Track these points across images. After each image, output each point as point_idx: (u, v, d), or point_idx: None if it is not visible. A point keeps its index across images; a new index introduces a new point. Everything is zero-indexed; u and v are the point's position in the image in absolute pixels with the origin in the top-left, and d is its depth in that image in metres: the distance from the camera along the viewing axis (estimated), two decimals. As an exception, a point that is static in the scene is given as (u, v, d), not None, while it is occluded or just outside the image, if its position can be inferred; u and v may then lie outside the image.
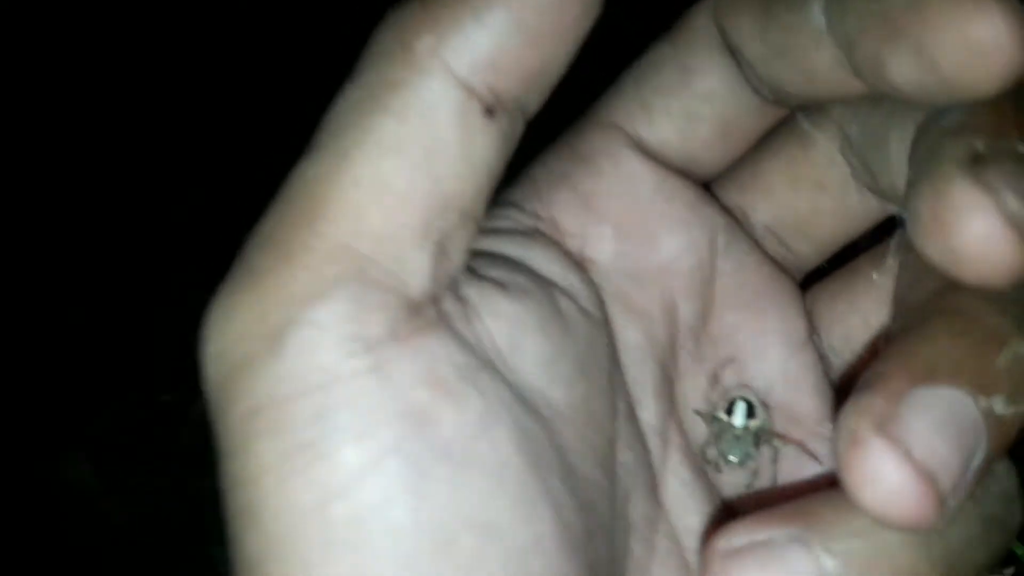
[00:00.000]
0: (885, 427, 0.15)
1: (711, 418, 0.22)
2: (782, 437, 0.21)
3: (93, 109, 0.72)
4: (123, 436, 0.68)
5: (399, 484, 0.16)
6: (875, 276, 0.22)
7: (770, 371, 0.22)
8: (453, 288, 0.18)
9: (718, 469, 0.22)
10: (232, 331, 0.17)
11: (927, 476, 0.15)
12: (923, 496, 0.15)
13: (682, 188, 0.22)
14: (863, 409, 0.16)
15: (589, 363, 0.20)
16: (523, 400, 0.18)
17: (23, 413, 0.66)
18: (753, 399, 0.22)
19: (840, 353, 0.23)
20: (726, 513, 0.21)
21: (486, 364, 0.18)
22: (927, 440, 0.15)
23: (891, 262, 0.21)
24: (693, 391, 0.22)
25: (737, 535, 0.18)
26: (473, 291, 0.18)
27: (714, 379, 0.22)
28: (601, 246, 0.22)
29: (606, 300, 0.21)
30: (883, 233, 0.22)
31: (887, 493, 0.15)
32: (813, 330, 0.23)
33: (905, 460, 0.15)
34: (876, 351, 0.19)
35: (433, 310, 0.17)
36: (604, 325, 0.21)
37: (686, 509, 0.21)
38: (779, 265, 0.23)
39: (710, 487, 0.22)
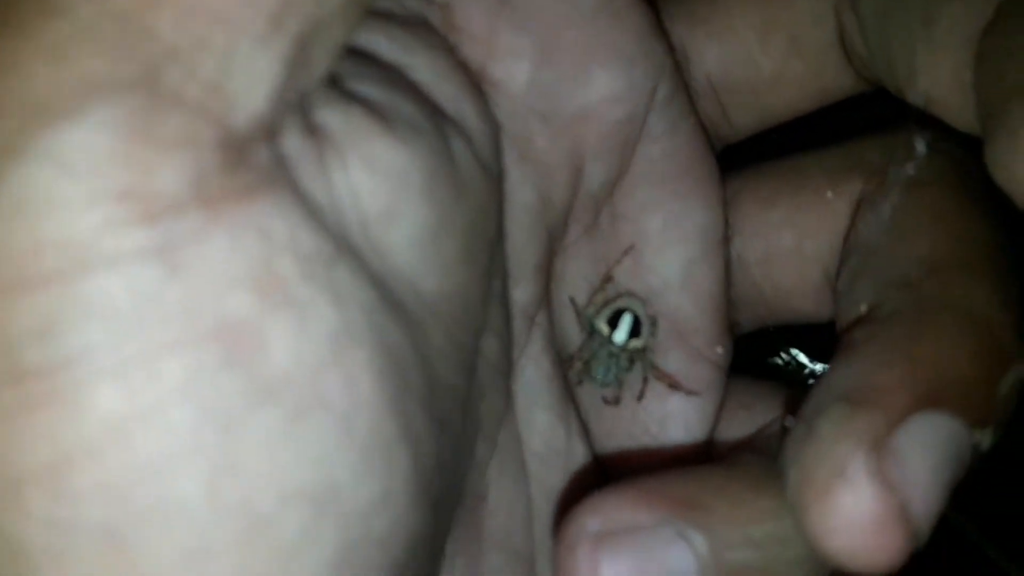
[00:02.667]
0: (880, 463, 0.12)
1: (588, 324, 0.19)
2: (660, 372, 0.19)
3: None
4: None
5: (190, 445, 0.11)
6: (830, 195, 0.18)
7: (671, 270, 0.18)
8: (303, 112, 0.12)
9: (578, 379, 0.19)
10: None
11: (911, 523, 0.12)
12: (900, 543, 0.12)
13: (635, 7, 0.17)
14: (853, 431, 0.12)
15: (477, 237, 0.15)
16: (389, 300, 0.12)
17: None
18: (641, 313, 0.19)
19: (749, 269, 0.19)
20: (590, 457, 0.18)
21: (345, 248, 0.12)
22: (922, 484, 0.12)
23: (883, 205, 0.16)
24: (574, 273, 0.19)
25: (609, 515, 0.14)
26: (336, 120, 0.12)
27: (605, 275, 0.19)
28: (514, 66, 0.16)
29: (504, 143, 0.17)
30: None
31: (861, 539, 0.12)
32: (728, 231, 0.19)
33: (893, 508, 0.12)
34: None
35: (268, 153, 0.11)
36: (499, 179, 0.16)
37: (536, 403, 0.18)
38: (707, 137, 0.19)
39: (567, 383, 0.19)
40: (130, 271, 0.10)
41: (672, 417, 0.19)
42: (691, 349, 0.19)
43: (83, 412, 0.10)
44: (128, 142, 0.10)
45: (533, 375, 0.18)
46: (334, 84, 0.13)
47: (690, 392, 0.18)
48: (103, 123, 0.10)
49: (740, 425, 0.18)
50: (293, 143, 0.11)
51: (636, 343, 0.18)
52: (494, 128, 0.16)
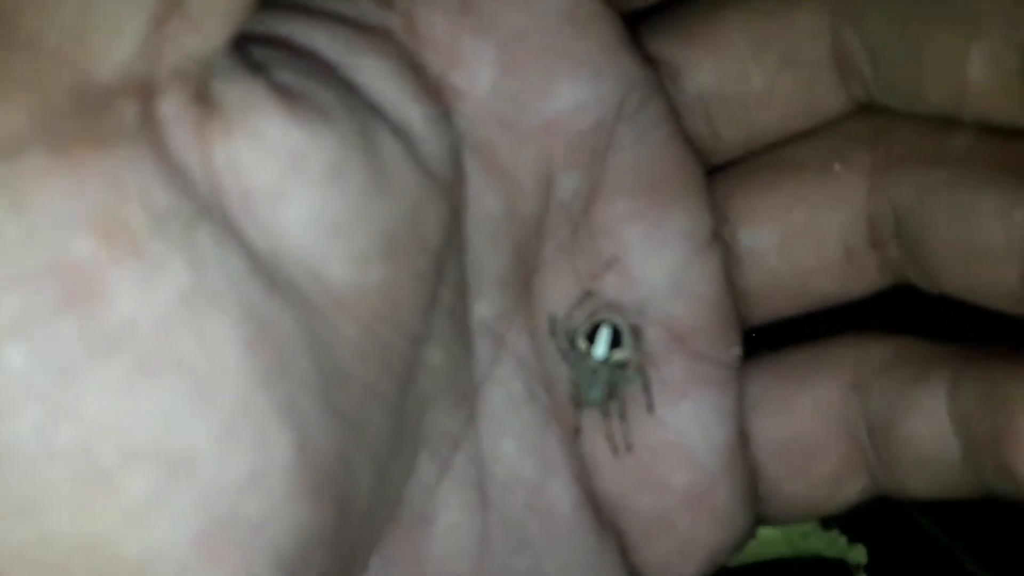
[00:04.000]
0: None
1: (568, 343, 0.18)
2: (646, 377, 0.18)
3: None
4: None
5: (24, 385, 0.11)
6: (837, 167, 0.18)
7: (658, 278, 0.18)
8: (196, 82, 0.12)
9: (578, 406, 0.18)
10: None
11: None
12: None
13: (601, 19, 0.17)
14: None
15: (404, 237, 0.14)
16: (272, 276, 0.12)
17: None
18: (620, 323, 0.18)
19: (765, 257, 0.19)
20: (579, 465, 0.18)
21: (210, 213, 0.12)
22: None
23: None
24: (556, 292, 0.18)
25: None
26: (232, 93, 0.12)
27: (585, 291, 0.18)
28: (477, 72, 0.16)
29: (464, 150, 0.16)
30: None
31: None
32: (724, 227, 0.19)
33: None
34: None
35: (134, 109, 0.11)
36: (450, 186, 0.16)
37: (504, 430, 0.17)
38: (691, 147, 0.18)
39: (547, 411, 0.18)
40: None
41: (689, 423, 0.18)
42: (694, 352, 0.18)
43: None
44: None
45: (500, 399, 0.17)
46: (249, 66, 0.13)
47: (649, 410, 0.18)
48: None
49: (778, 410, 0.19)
50: (172, 107, 0.12)
51: (619, 355, 0.18)
52: (447, 134, 0.16)
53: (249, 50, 0.13)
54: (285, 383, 0.12)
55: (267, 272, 0.12)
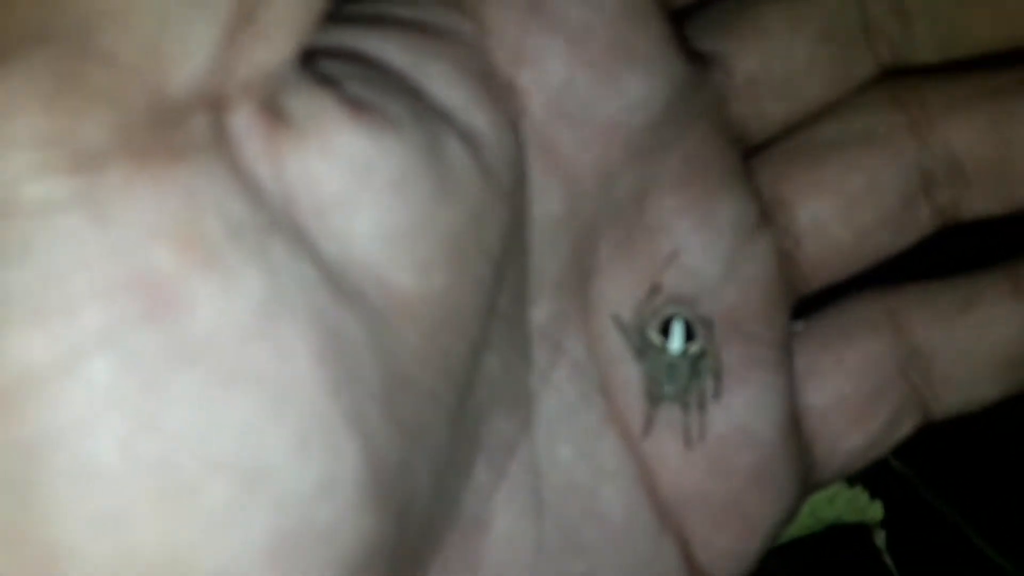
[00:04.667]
0: None
1: (640, 340, 0.18)
2: (720, 366, 0.18)
3: None
4: None
5: (109, 399, 0.10)
6: (881, 130, 0.19)
7: (713, 266, 0.19)
8: (266, 95, 0.12)
9: (654, 402, 0.18)
10: None
11: None
12: None
13: (654, 15, 0.17)
14: None
15: (468, 244, 0.14)
16: (342, 284, 0.13)
17: None
18: (690, 315, 0.18)
19: (827, 227, 0.20)
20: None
21: (284, 225, 0.12)
22: None
23: None
24: (616, 292, 0.18)
25: None
26: (302, 105, 0.12)
27: (652, 286, 0.18)
28: (548, 68, 0.16)
29: (529, 151, 0.16)
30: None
31: None
32: (776, 208, 0.19)
33: None
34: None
35: (207, 122, 0.11)
36: (513, 190, 0.16)
37: (559, 437, 0.17)
38: (731, 135, 0.19)
39: (603, 416, 0.18)
40: (51, 216, 0.10)
41: (749, 405, 0.19)
42: (748, 336, 0.19)
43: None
44: (55, 91, 0.10)
45: (556, 405, 0.17)
46: (316, 77, 0.13)
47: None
48: (30, 71, 0.10)
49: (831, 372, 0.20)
50: (243, 119, 0.12)
51: (694, 347, 0.18)
52: (512, 138, 0.16)
53: (318, 62, 0.13)
54: (353, 392, 0.12)
55: (337, 281, 0.12)
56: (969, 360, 0.20)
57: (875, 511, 0.27)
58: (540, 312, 0.17)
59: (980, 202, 0.20)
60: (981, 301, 0.19)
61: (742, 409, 0.19)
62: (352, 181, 0.13)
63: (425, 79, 0.14)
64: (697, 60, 0.19)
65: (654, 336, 0.18)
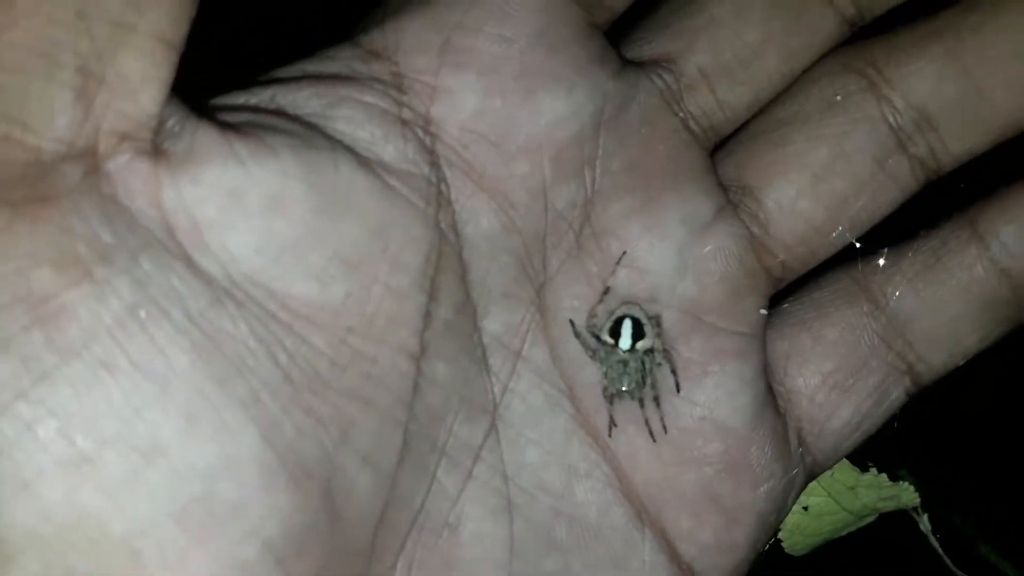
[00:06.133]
0: None
1: (594, 340, 0.19)
2: (672, 360, 0.19)
3: None
4: None
5: (11, 391, 0.13)
6: (838, 98, 0.20)
7: (664, 264, 0.19)
8: (142, 139, 0.14)
9: (612, 400, 0.19)
10: None
11: None
12: None
13: (572, 40, 0.18)
14: None
15: (371, 257, 0.16)
16: (226, 293, 0.15)
17: None
18: (639, 314, 0.19)
19: (790, 205, 0.20)
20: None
21: (154, 243, 0.14)
22: None
23: None
24: (571, 298, 0.19)
25: None
26: (183, 144, 0.15)
27: (603, 290, 0.19)
28: (460, 100, 0.18)
29: (452, 175, 0.18)
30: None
31: None
32: (743, 197, 0.20)
33: None
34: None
35: (81, 170, 0.14)
36: (433, 207, 0.17)
37: (527, 441, 0.18)
38: (685, 135, 0.20)
39: (571, 419, 0.19)
40: None
41: (714, 395, 0.19)
42: (710, 328, 0.19)
43: None
44: None
45: (521, 411, 0.18)
46: (210, 122, 0.15)
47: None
48: None
49: (811, 350, 0.20)
50: (122, 161, 0.14)
51: (644, 344, 0.19)
52: (425, 157, 0.17)
53: (222, 114, 0.15)
54: (244, 382, 0.14)
55: (219, 289, 0.14)
56: (945, 313, 0.20)
57: (909, 495, 0.26)
58: (493, 322, 0.18)
59: (956, 144, 0.19)
60: (944, 252, 0.20)
61: (707, 400, 0.19)
62: (223, 206, 0.15)
63: (332, 121, 0.16)
64: (632, 69, 0.19)
65: (605, 337, 0.19)
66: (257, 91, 0.16)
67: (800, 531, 0.26)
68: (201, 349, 0.14)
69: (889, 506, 0.26)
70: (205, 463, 0.14)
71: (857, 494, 0.25)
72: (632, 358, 0.19)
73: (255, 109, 0.16)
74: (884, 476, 0.25)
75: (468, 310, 0.18)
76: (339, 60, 0.17)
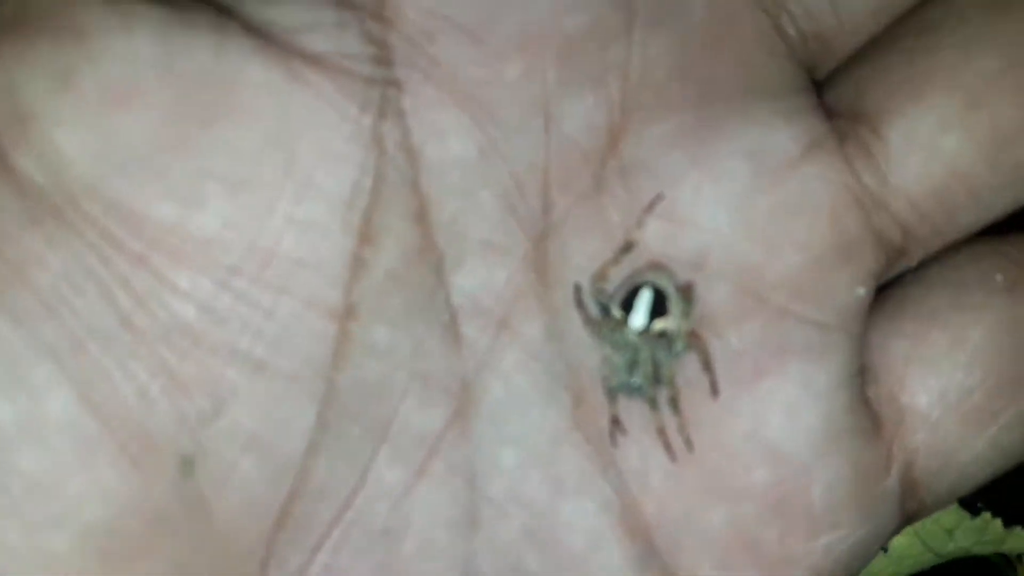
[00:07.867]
0: None
1: (602, 311, 0.14)
2: (704, 352, 0.14)
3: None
4: None
5: None
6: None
7: (717, 215, 0.14)
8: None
9: (612, 394, 0.14)
10: None
11: None
12: None
13: None
14: None
15: (266, 176, 0.13)
16: (45, 210, 0.13)
17: None
18: (664, 284, 0.14)
19: (917, 145, 0.14)
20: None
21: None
22: None
23: None
24: (582, 256, 0.15)
25: None
26: (14, 7, 0.13)
27: (623, 245, 0.14)
28: None
29: (408, 76, 0.14)
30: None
31: None
32: (846, 128, 0.15)
33: None
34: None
35: None
36: (372, 115, 0.14)
37: (504, 437, 0.14)
38: (780, 33, 0.15)
39: (567, 416, 0.15)
40: None
41: (768, 407, 0.14)
42: (777, 311, 0.14)
43: None
44: None
45: (501, 398, 0.14)
46: None
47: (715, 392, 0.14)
48: None
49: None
50: None
51: (663, 324, 0.14)
52: (367, 56, 0.14)
53: None
54: (58, 326, 0.13)
55: (40, 202, 0.13)
56: None
57: (1018, 541, 0.21)
58: (467, 279, 0.14)
59: None
60: None
61: (755, 411, 0.14)
62: (53, 90, 0.13)
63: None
64: None
65: (615, 309, 0.14)
66: None
67: (871, 574, 0.21)
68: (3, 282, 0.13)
69: (987, 550, 0.21)
70: (9, 422, 0.13)
71: (953, 536, 0.20)
72: (645, 342, 0.14)
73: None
74: (999, 522, 0.20)
75: (428, 260, 0.14)
76: None
